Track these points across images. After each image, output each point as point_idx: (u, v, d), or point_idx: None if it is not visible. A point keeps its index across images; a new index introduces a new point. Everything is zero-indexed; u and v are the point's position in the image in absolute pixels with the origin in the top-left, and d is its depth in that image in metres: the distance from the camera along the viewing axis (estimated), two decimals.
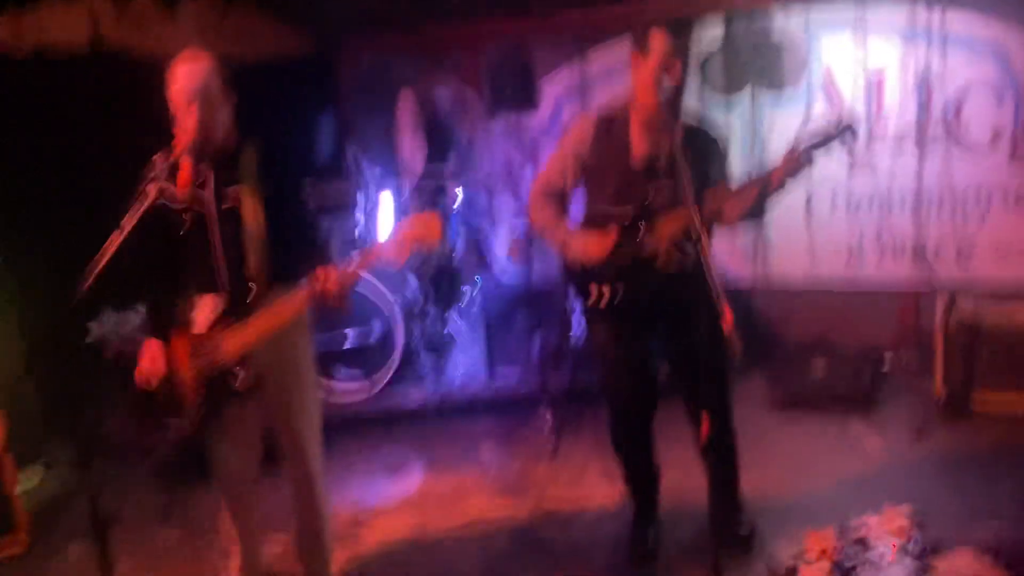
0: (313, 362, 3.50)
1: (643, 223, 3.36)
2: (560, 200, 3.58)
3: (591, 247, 3.41)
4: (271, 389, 3.29)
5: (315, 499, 3.51)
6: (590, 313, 3.60)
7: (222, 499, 3.52)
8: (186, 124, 3.02)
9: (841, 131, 3.19)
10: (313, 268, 3.09)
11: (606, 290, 3.43)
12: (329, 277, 3.02)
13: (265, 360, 3.19)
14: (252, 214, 3.11)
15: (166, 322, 3.23)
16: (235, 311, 3.13)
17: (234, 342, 3.10)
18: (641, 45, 3.31)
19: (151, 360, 3.18)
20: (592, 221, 3.50)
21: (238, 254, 3.13)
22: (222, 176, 3.14)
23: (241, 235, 3.11)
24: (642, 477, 3.83)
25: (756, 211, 3.36)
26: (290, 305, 3.10)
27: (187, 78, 3.02)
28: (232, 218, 3.12)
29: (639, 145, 3.41)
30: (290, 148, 5.77)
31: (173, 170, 3.06)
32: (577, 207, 3.61)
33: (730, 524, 3.68)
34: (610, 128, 3.48)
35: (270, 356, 3.20)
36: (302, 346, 3.40)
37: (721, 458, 3.65)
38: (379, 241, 3.13)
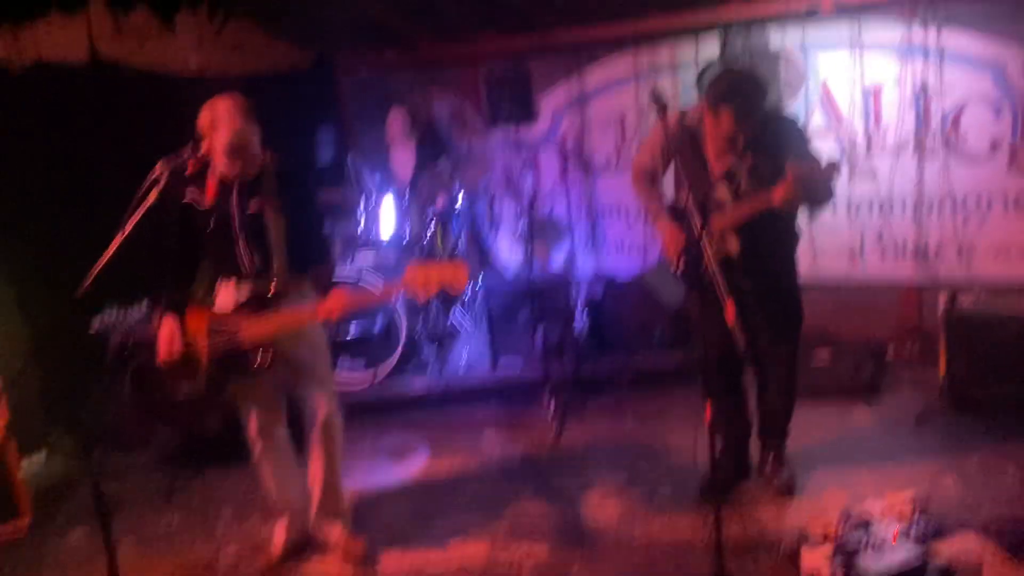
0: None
1: (712, 215, 3.62)
2: (652, 178, 3.96)
3: (667, 240, 3.82)
4: (290, 361, 3.47)
5: (334, 450, 3.63)
6: (680, 276, 3.90)
7: (260, 463, 3.68)
8: (225, 167, 3.29)
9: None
10: (324, 266, 3.52)
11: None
12: (341, 302, 3.28)
13: (284, 338, 3.40)
14: (273, 220, 3.35)
15: (182, 303, 3.44)
16: (257, 302, 3.37)
17: (254, 329, 3.32)
18: (713, 108, 3.53)
19: (170, 337, 3.37)
20: (675, 206, 3.87)
21: (261, 253, 3.37)
22: (246, 188, 3.37)
23: (264, 237, 3.35)
24: (732, 426, 3.98)
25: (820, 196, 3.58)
26: (306, 313, 3.36)
27: (229, 132, 3.22)
28: (255, 223, 3.36)
29: (716, 164, 3.69)
30: (303, 159, 6.10)
31: (199, 180, 3.34)
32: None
33: (776, 470, 3.97)
34: (692, 139, 3.73)
35: (289, 334, 3.41)
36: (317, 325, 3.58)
37: (783, 407, 3.96)
38: (406, 277, 3.22)
